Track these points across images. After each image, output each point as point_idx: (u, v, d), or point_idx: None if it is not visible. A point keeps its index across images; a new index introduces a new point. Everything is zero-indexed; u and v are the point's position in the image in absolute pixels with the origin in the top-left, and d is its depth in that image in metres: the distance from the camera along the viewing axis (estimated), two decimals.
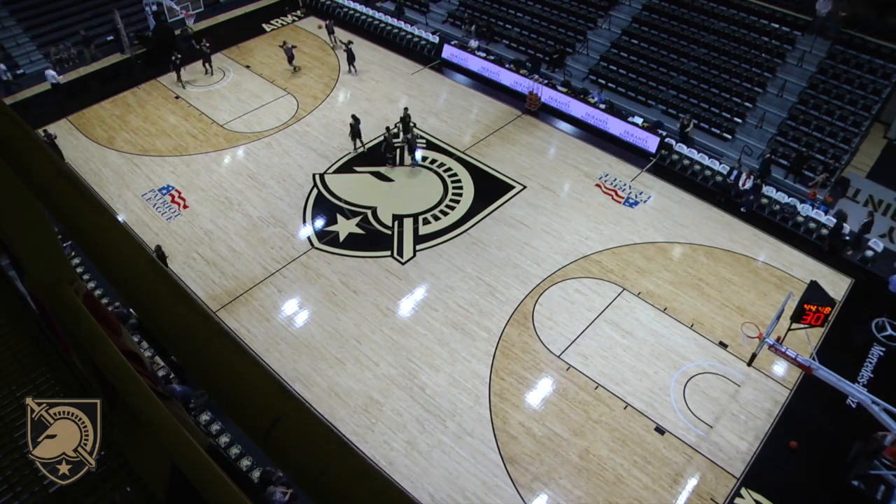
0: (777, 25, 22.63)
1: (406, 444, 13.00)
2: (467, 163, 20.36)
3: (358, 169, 20.13)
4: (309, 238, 17.69)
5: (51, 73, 22.65)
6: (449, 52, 25.15)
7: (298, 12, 28.13)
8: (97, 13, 26.08)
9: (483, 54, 24.58)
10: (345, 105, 23.08)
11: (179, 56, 23.60)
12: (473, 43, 25.22)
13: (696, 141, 20.87)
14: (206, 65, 24.22)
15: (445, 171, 20.10)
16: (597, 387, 14.10)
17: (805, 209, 18.25)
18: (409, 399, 13.77)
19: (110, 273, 1.44)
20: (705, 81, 22.23)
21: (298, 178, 19.66)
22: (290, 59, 24.19)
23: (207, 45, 24.14)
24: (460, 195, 19.18)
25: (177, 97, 23.13)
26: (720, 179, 19.44)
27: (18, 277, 2.53)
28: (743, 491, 12.48)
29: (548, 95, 22.56)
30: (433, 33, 26.27)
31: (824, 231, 17.80)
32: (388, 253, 17.26)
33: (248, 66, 24.86)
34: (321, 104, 22.89)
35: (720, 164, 19.81)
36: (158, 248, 16.31)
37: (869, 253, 17.02)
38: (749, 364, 13.42)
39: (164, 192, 19.01)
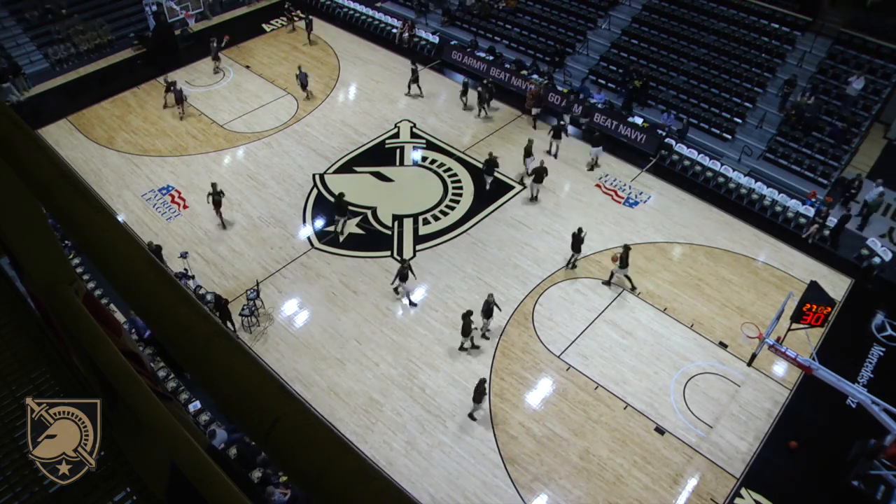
0: (777, 25, 22.64)
1: (406, 444, 13.00)
2: (467, 163, 20.36)
3: (358, 169, 20.13)
4: (309, 238, 17.69)
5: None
6: (449, 52, 25.14)
7: (299, 12, 28.07)
8: (98, 13, 26.06)
9: (483, 54, 24.57)
10: (345, 105, 23.09)
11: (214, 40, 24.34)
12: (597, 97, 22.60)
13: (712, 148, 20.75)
14: (215, 61, 24.41)
15: (445, 171, 20.09)
16: (597, 387, 14.10)
17: (795, 205, 18.35)
18: (409, 399, 13.77)
19: (110, 273, 1.44)
20: (705, 81, 22.23)
21: (298, 178, 19.66)
22: (304, 86, 22.67)
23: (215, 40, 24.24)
24: (460, 195, 19.18)
25: None
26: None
27: (18, 277, 2.53)
28: (743, 491, 12.48)
29: (547, 96, 22.54)
30: (433, 33, 26.28)
31: (825, 232, 17.84)
32: (388, 253, 17.26)
33: (248, 67, 24.85)
34: (321, 104, 22.88)
35: (720, 164, 19.82)
36: (150, 244, 16.28)
37: (876, 260, 16.99)
38: (749, 364, 13.45)
39: (164, 192, 19.01)
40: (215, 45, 24.23)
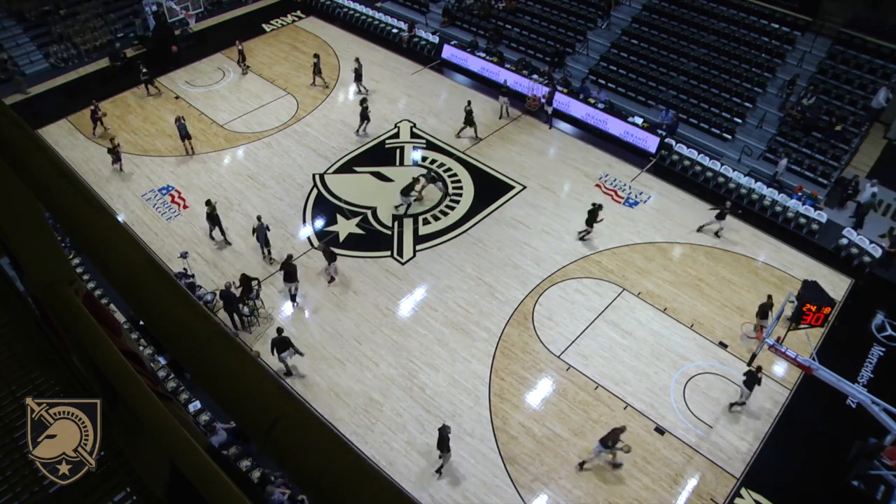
0: (777, 25, 22.64)
1: (406, 444, 13.00)
2: (467, 163, 20.35)
3: (358, 169, 20.13)
4: (309, 238, 17.69)
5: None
6: (449, 52, 25.15)
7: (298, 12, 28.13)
8: (97, 13, 26.06)
9: (483, 54, 24.57)
10: (345, 105, 23.08)
11: (146, 71, 22.71)
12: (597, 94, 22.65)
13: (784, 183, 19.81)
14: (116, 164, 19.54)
15: (445, 171, 20.08)
16: (597, 387, 14.10)
17: (795, 205, 18.36)
18: (409, 399, 13.76)
19: (110, 273, 1.44)
20: (705, 81, 22.23)
21: (298, 178, 19.66)
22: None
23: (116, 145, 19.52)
24: (460, 195, 19.18)
25: (177, 97, 23.12)
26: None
27: (18, 277, 2.53)
28: (743, 491, 12.48)
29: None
30: (433, 33, 26.28)
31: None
32: (388, 253, 17.25)
33: (248, 67, 24.84)
34: (321, 104, 22.88)
35: (720, 164, 19.83)
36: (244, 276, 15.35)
37: (867, 258, 17.01)
38: (749, 364, 13.44)
39: (164, 192, 19.01)
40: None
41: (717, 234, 17.87)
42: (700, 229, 18.04)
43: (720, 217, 17.55)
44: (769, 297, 14.87)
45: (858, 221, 18.18)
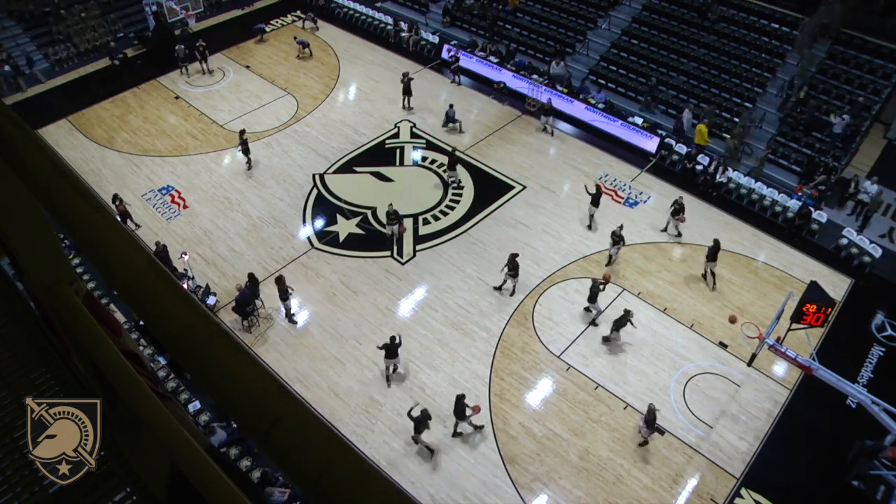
0: (777, 25, 22.64)
1: (406, 444, 13.00)
2: (467, 163, 20.34)
3: (358, 169, 20.12)
4: (309, 238, 17.69)
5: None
6: (449, 52, 25.11)
7: (299, 13, 28.15)
8: (96, 14, 26.06)
9: (483, 53, 24.56)
10: (345, 105, 23.09)
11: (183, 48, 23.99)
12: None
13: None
14: (203, 63, 24.24)
15: (445, 171, 20.07)
16: (597, 387, 14.10)
17: (795, 205, 18.35)
18: (409, 399, 13.76)
19: (110, 273, 1.44)
20: (705, 82, 22.23)
21: (298, 178, 19.66)
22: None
23: (202, 44, 23.91)
24: (460, 195, 19.17)
25: (177, 97, 23.12)
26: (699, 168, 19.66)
27: (18, 277, 2.53)
28: (743, 491, 12.48)
29: (547, 95, 22.52)
30: (433, 33, 26.27)
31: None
32: (388, 253, 17.25)
33: (248, 67, 24.85)
34: (321, 104, 22.88)
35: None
36: (158, 244, 16.18)
37: (867, 259, 17.01)
38: (749, 364, 13.44)
39: (164, 192, 19.01)
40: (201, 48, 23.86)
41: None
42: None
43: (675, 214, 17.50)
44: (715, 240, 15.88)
45: (862, 222, 18.13)
